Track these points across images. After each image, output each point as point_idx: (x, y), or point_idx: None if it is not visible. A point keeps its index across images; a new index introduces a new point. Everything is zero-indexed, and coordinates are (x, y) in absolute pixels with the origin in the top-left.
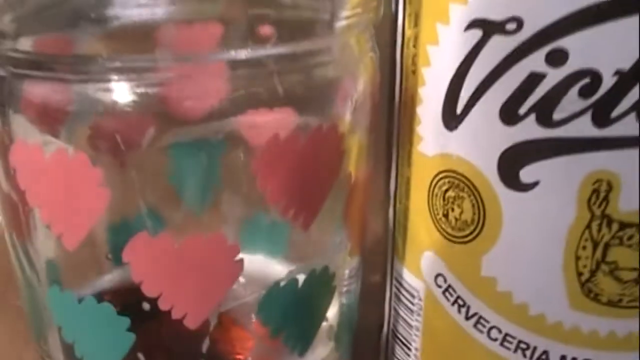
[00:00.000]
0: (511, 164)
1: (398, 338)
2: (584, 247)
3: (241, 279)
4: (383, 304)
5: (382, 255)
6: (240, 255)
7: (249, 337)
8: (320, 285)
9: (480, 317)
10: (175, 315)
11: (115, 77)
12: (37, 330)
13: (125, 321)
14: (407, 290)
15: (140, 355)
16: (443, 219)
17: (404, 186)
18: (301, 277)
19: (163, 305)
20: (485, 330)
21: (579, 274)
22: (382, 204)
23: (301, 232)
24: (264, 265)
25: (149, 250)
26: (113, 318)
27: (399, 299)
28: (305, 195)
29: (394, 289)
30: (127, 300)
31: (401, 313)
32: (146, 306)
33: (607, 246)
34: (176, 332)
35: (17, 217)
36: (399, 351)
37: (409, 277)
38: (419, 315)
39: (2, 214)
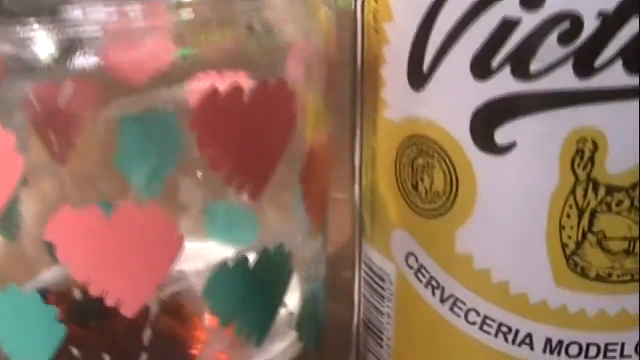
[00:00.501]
0: (485, 124)
1: (369, 328)
2: (569, 216)
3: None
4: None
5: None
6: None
7: (198, 328)
8: (275, 266)
9: (457, 299)
10: (109, 302)
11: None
12: None
13: (53, 310)
14: (377, 275)
15: (74, 350)
16: (412, 191)
17: (369, 158)
18: (252, 257)
19: (94, 291)
20: (462, 313)
21: (564, 246)
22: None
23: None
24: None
25: (75, 226)
26: (40, 307)
27: (369, 285)
28: (253, 161)
29: (363, 275)
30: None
31: (372, 300)
32: (77, 293)
33: (593, 213)
34: (112, 322)
35: None
36: (370, 342)
37: (378, 259)
38: (390, 300)
39: None
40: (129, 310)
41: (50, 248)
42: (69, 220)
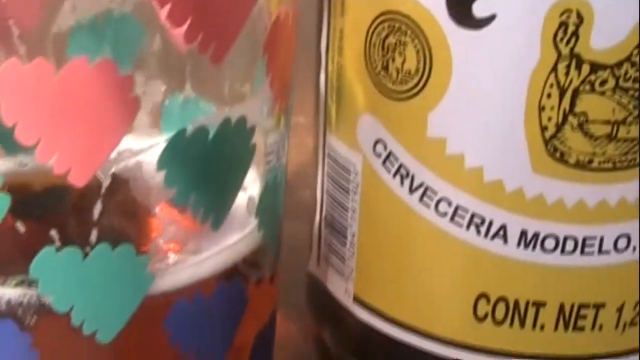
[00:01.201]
0: None
1: (332, 226)
2: (549, 95)
3: None
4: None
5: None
6: (138, 91)
7: (153, 203)
8: (236, 140)
9: (427, 188)
10: (58, 169)
11: None
12: None
13: None
14: (341, 166)
15: (19, 224)
16: (382, 72)
17: (336, 41)
18: (212, 128)
19: (42, 156)
20: (432, 204)
21: (543, 129)
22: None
23: (211, 67)
24: None
25: (23, 82)
26: None
27: (332, 180)
28: (217, 19)
29: (326, 169)
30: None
31: (335, 194)
32: (24, 160)
33: (576, 93)
34: (60, 193)
35: None
36: (334, 242)
37: (343, 149)
38: (355, 193)
39: None
40: (78, 179)
41: None
42: (16, 76)
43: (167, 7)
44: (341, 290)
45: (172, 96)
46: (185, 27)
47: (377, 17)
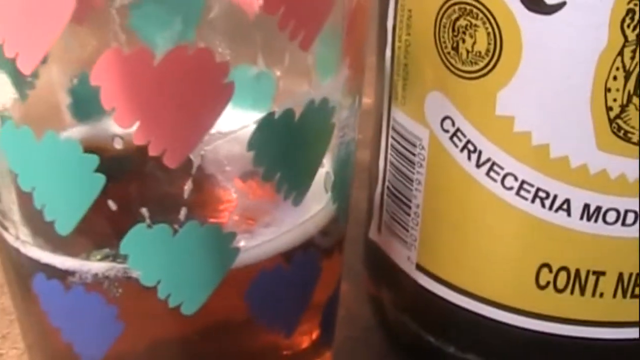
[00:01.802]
0: None
1: (396, 196)
2: (615, 78)
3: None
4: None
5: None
6: (230, 78)
7: (239, 182)
8: (319, 120)
9: (494, 163)
10: (153, 150)
11: None
12: None
13: (93, 160)
14: (406, 140)
15: (111, 203)
16: (452, 52)
17: (404, 20)
18: (298, 110)
19: (138, 139)
20: (499, 178)
21: (608, 109)
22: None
23: (300, 52)
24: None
25: (123, 69)
26: (79, 157)
27: (396, 151)
28: (306, 6)
29: (390, 141)
30: (95, 139)
31: (399, 166)
32: (118, 143)
33: None
34: (153, 173)
35: None
36: (396, 210)
37: (409, 124)
38: (420, 166)
39: None
40: (173, 160)
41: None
42: (116, 64)
43: None
44: (403, 257)
45: (244, 69)
46: (278, 15)
47: (447, 1)
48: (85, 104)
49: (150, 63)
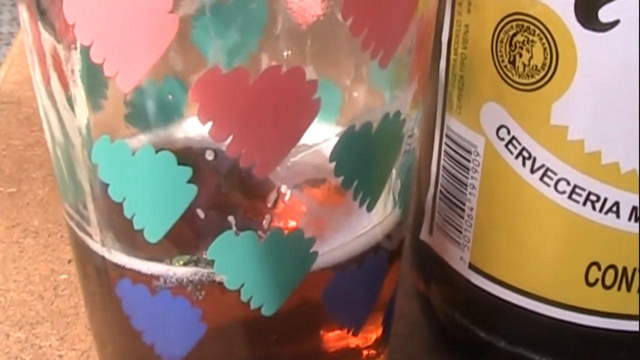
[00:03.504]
0: (590, 2)
1: (449, 199)
2: None
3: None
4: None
5: None
6: (318, 95)
7: (320, 193)
8: (392, 131)
9: (548, 169)
10: (244, 162)
11: None
12: (72, 195)
13: (187, 172)
14: (461, 147)
15: (200, 212)
16: (509, 65)
17: (461, 35)
18: (375, 122)
19: (232, 151)
20: (552, 183)
21: None
22: None
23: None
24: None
25: (221, 87)
26: (172, 169)
27: (450, 157)
28: (386, 27)
29: (444, 147)
30: (188, 151)
31: (453, 172)
32: (210, 155)
33: None
34: (242, 184)
35: (58, 64)
36: (449, 213)
37: (464, 131)
38: (475, 172)
39: (33, 66)
40: (262, 171)
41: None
42: (215, 81)
43: (350, 20)
44: (456, 257)
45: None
46: (362, 36)
47: (505, 17)
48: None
49: (247, 82)
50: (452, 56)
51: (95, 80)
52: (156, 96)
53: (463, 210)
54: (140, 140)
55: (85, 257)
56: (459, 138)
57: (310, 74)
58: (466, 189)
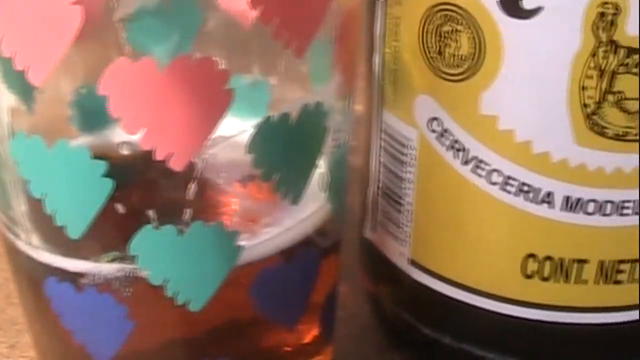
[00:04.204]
0: None
1: (388, 195)
2: (590, 77)
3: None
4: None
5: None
6: (231, 85)
7: (240, 183)
8: (314, 122)
9: (480, 160)
10: (159, 155)
11: None
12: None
13: (101, 166)
14: (397, 141)
15: (119, 206)
16: (438, 56)
17: (393, 28)
18: (294, 113)
19: (145, 144)
20: (484, 174)
21: (585, 106)
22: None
23: (294, 60)
24: None
25: (130, 78)
26: (87, 163)
27: (388, 153)
28: (300, 17)
29: (382, 142)
30: (102, 147)
31: (391, 167)
32: (125, 149)
33: (613, 74)
34: (159, 177)
35: None
36: (389, 209)
37: (399, 125)
38: (411, 166)
39: None
40: (178, 164)
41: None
42: (124, 73)
43: (259, 9)
44: (397, 253)
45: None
46: (273, 25)
47: (432, 7)
48: (90, 114)
49: (155, 72)
50: (385, 50)
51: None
52: (89, 98)
53: (402, 205)
54: (83, 141)
55: (15, 258)
56: (394, 132)
57: (223, 63)
58: (403, 184)
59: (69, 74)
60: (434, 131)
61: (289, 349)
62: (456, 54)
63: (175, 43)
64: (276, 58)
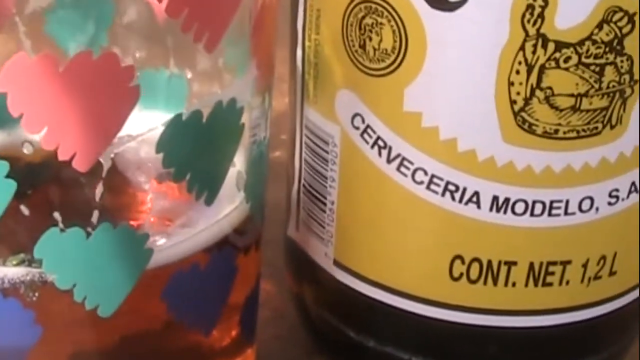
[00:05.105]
0: None
1: (311, 193)
2: (518, 72)
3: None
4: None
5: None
6: (137, 81)
7: (150, 184)
8: (227, 120)
9: (404, 158)
10: (63, 155)
11: None
12: None
13: (4, 166)
14: (319, 138)
15: (24, 208)
16: (360, 50)
17: (314, 20)
18: (206, 111)
19: (47, 144)
20: (409, 173)
21: (513, 102)
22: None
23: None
24: None
25: (29, 74)
26: None
27: (310, 149)
28: (210, 8)
29: (304, 139)
30: (6, 147)
31: (314, 164)
32: (28, 148)
33: (542, 69)
34: (65, 177)
35: None
36: (312, 207)
37: (321, 122)
38: (334, 164)
39: None
40: (82, 164)
41: None
42: (23, 69)
43: (165, 1)
44: (321, 254)
45: (157, 72)
46: (182, 17)
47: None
48: None
49: (55, 68)
50: (306, 43)
51: None
52: None
53: (325, 204)
54: None
55: None
56: (316, 129)
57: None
58: (326, 182)
59: None
60: (356, 128)
61: (206, 351)
62: (378, 48)
63: (90, 35)
64: (194, 51)
